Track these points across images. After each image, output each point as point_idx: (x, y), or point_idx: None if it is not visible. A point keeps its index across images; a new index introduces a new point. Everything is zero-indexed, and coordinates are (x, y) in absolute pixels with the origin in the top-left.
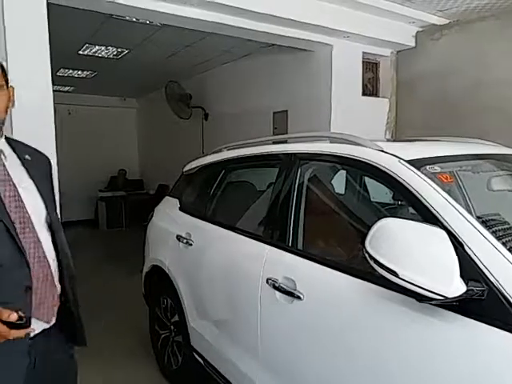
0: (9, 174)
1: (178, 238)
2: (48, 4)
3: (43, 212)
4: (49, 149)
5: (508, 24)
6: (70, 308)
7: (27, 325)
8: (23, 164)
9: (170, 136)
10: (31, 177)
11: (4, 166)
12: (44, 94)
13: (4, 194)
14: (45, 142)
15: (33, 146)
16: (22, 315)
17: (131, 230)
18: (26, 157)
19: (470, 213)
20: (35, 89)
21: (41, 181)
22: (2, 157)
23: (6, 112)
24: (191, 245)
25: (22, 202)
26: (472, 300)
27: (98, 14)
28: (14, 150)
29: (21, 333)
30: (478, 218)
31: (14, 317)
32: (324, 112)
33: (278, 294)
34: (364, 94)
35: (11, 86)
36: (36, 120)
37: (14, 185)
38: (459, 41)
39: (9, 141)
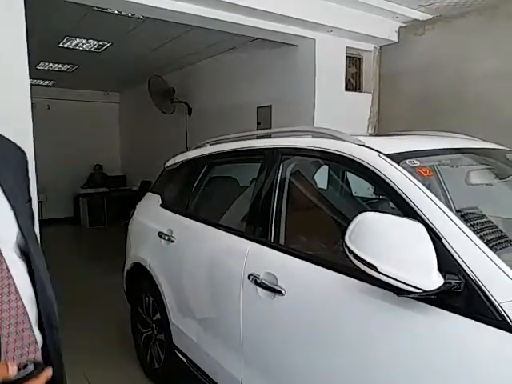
0: None
1: (160, 234)
2: None
3: (13, 231)
4: (26, 144)
5: (490, 19)
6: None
7: None
8: None
9: (154, 131)
10: None
11: None
12: (21, 88)
13: None
14: (22, 137)
15: (3, 135)
16: None
17: (113, 227)
18: None
19: (449, 207)
20: (12, 82)
21: (10, 185)
22: None
23: None
24: (173, 242)
25: None
26: (449, 293)
27: (79, 6)
28: None
29: None
30: (456, 211)
31: None
32: (307, 107)
33: (259, 289)
34: (347, 88)
35: None
36: (12, 114)
37: None
38: (442, 36)
39: None
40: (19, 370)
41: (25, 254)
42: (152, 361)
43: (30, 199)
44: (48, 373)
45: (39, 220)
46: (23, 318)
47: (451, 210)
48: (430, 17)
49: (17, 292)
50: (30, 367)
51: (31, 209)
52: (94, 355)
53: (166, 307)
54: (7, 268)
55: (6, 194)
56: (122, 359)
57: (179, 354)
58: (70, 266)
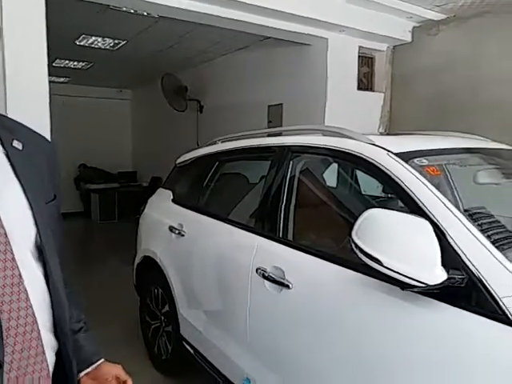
0: None
1: (171, 228)
2: None
3: (31, 231)
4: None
5: (505, 20)
6: None
7: None
8: (7, 156)
9: (165, 128)
10: (18, 177)
11: None
12: (40, 84)
13: None
14: (40, 132)
15: (29, 127)
16: None
17: (124, 222)
18: (15, 144)
19: (457, 205)
20: (32, 78)
21: (33, 182)
22: None
23: None
24: (183, 235)
25: None
26: (453, 287)
27: (95, 5)
28: None
29: None
30: (464, 210)
31: None
32: (319, 105)
33: (267, 283)
34: (359, 88)
35: None
36: (32, 109)
37: None
38: (456, 37)
39: None
40: None
41: (41, 257)
42: (160, 352)
43: (54, 197)
44: None
45: None
46: (32, 327)
47: (459, 208)
48: (445, 17)
49: (27, 299)
50: None
51: (57, 207)
52: (102, 346)
53: (175, 299)
54: (19, 274)
55: (25, 192)
56: (130, 350)
57: (187, 345)
58: (82, 259)
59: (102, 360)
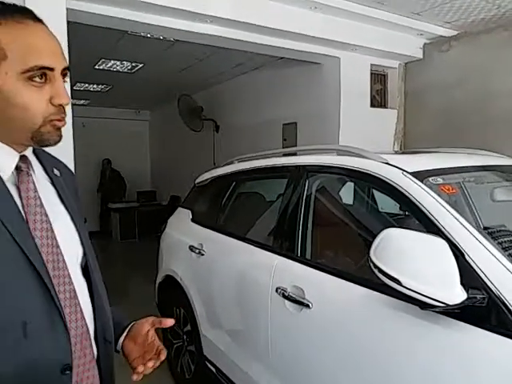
0: (40, 198)
1: (191, 248)
2: (68, 22)
3: (79, 251)
4: (68, 162)
5: None
6: None
7: None
8: (52, 182)
9: (182, 148)
10: (62, 201)
11: (34, 183)
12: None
13: (34, 225)
14: (64, 156)
15: (56, 157)
16: None
17: (144, 241)
18: (55, 171)
19: (475, 223)
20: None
21: (73, 206)
22: (32, 171)
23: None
24: (203, 255)
25: (55, 238)
26: (473, 307)
27: (114, 30)
28: (41, 162)
29: None
30: (483, 228)
31: None
32: (332, 123)
33: (287, 302)
34: (372, 105)
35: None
36: None
37: (45, 213)
38: (467, 52)
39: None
40: None
41: (87, 272)
42: (183, 371)
43: (85, 220)
44: None
45: None
46: (87, 336)
47: (477, 226)
48: (456, 33)
49: (81, 311)
50: None
51: (86, 232)
52: (125, 364)
53: (197, 318)
54: (74, 289)
55: (71, 217)
56: (153, 369)
57: (209, 365)
58: (104, 277)
59: (133, 323)
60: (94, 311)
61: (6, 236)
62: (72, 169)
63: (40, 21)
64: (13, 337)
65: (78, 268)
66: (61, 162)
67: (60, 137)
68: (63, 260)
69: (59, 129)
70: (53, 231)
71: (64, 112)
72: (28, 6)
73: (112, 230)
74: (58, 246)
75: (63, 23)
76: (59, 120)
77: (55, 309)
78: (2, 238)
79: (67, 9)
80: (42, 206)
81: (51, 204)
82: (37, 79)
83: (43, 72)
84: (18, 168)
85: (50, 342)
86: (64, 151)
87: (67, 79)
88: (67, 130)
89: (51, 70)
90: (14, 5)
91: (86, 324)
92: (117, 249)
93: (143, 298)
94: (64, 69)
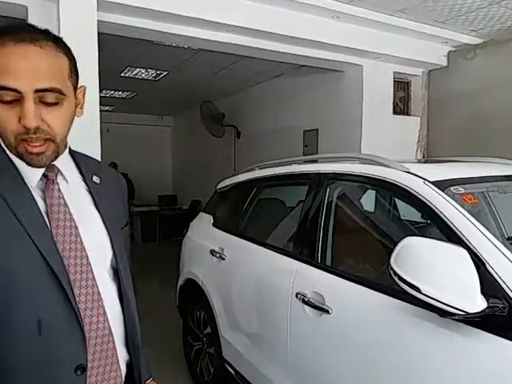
0: (65, 204)
1: (212, 252)
2: (98, 33)
3: (108, 255)
4: None
5: None
6: None
7: None
8: (89, 189)
9: (203, 153)
10: (97, 207)
11: (59, 190)
12: (92, 115)
13: (57, 230)
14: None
15: (98, 161)
16: None
17: (165, 244)
18: (94, 179)
19: (499, 233)
20: (86, 109)
21: (110, 211)
22: (59, 179)
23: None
24: (224, 259)
25: (81, 242)
26: (494, 316)
27: (140, 41)
28: (79, 168)
29: None
30: (507, 239)
31: None
32: (354, 130)
33: (307, 308)
34: (395, 112)
35: (81, 87)
36: (85, 138)
37: (71, 219)
38: (493, 60)
39: (73, 154)
40: None
41: (117, 276)
42: (202, 373)
43: (126, 224)
44: None
45: None
46: (108, 338)
47: (501, 236)
48: (481, 41)
49: (104, 313)
50: None
51: (127, 232)
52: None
53: (217, 321)
54: (98, 291)
55: (104, 221)
56: (173, 371)
57: (228, 367)
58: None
59: (151, 379)
60: (124, 314)
61: (26, 240)
62: None
63: (32, 40)
64: (28, 334)
65: (106, 271)
66: (106, 167)
67: (39, 161)
68: (87, 263)
69: (35, 154)
70: (78, 235)
71: (35, 134)
72: (62, 18)
73: (133, 233)
74: (83, 250)
75: (94, 34)
76: (28, 143)
77: (72, 310)
78: (23, 241)
79: (98, 21)
80: (67, 211)
81: (83, 210)
82: (4, 99)
83: (11, 93)
84: (45, 176)
85: (64, 342)
86: (92, 155)
87: (58, 99)
88: (94, 136)
89: (17, 91)
90: (12, 26)
91: (109, 327)
92: (138, 251)
93: (164, 300)
94: (40, 90)
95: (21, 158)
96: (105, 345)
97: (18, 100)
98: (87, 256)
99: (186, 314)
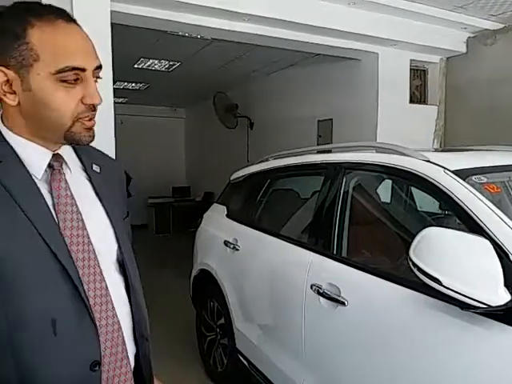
0: (72, 196)
1: (226, 243)
2: (111, 24)
3: (113, 247)
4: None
5: None
6: None
7: None
8: (90, 179)
9: (217, 144)
10: (99, 197)
11: (66, 181)
12: (107, 107)
13: (64, 223)
14: (105, 150)
15: (99, 149)
16: None
17: (178, 235)
18: (94, 168)
19: None
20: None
21: (111, 202)
22: (64, 169)
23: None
24: (238, 250)
25: (87, 236)
26: None
27: (153, 31)
28: (80, 158)
29: None
30: None
31: None
32: (370, 119)
33: (322, 299)
34: (411, 101)
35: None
36: (100, 131)
37: (78, 211)
38: None
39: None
40: None
41: (122, 268)
42: (215, 364)
43: (128, 214)
44: None
45: None
46: (118, 333)
47: None
48: (502, 26)
49: (113, 308)
50: None
51: (128, 223)
52: (159, 354)
53: (230, 312)
54: (106, 286)
55: (106, 212)
56: (187, 361)
57: (241, 358)
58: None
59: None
60: (131, 307)
61: (34, 235)
62: None
63: (73, 21)
64: (43, 334)
65: (112, 264)
66: (103, 155)
67: (92, 137)
68: (95, 257)
69: (90, 129)
70: (85, 229)
71: (94, 111)
72: (75, 9)
73: (148, 224)
74: (90, 244)
75: (107, 25)
76: (89, 119)
77: (83, 306)
78: (31, 236)
79: (111, 11)
80: (74, 203)
81: (86, 201)
82: (69, 79)
83: (75, 72)
84: (51, 166)
85: (78, 339)
86: (105, 148)
87: (102, 76)
88: (109, 127)
89: (83, 70)
90: (49, 6)
91: (118, 321)
92: (152, 241)
93: (178, 290)
94: (96, 68)
95: (71, 138)
96: (115, 340)
97: (77, 81)
98: (94, 250)
99: (200, 305)
